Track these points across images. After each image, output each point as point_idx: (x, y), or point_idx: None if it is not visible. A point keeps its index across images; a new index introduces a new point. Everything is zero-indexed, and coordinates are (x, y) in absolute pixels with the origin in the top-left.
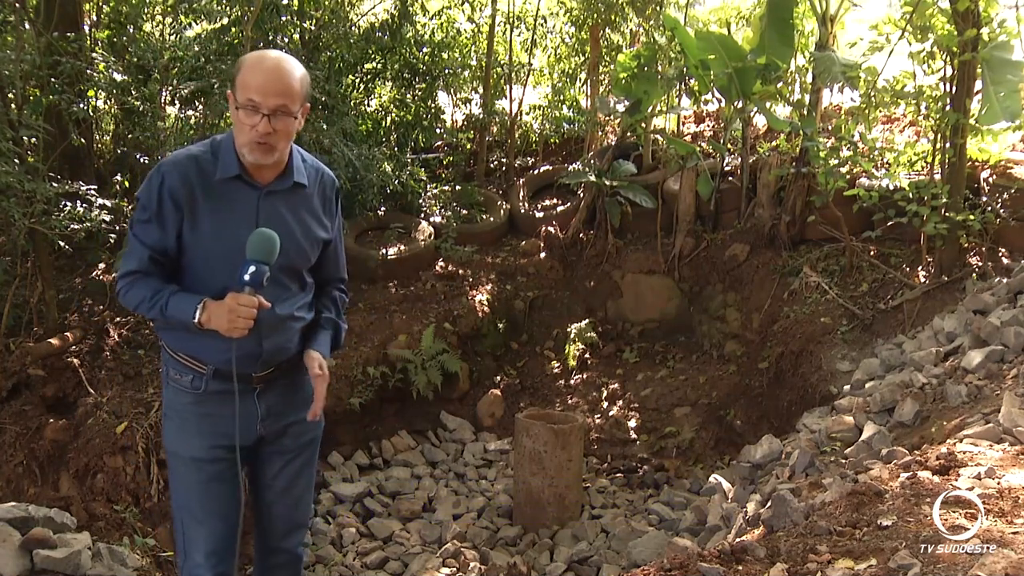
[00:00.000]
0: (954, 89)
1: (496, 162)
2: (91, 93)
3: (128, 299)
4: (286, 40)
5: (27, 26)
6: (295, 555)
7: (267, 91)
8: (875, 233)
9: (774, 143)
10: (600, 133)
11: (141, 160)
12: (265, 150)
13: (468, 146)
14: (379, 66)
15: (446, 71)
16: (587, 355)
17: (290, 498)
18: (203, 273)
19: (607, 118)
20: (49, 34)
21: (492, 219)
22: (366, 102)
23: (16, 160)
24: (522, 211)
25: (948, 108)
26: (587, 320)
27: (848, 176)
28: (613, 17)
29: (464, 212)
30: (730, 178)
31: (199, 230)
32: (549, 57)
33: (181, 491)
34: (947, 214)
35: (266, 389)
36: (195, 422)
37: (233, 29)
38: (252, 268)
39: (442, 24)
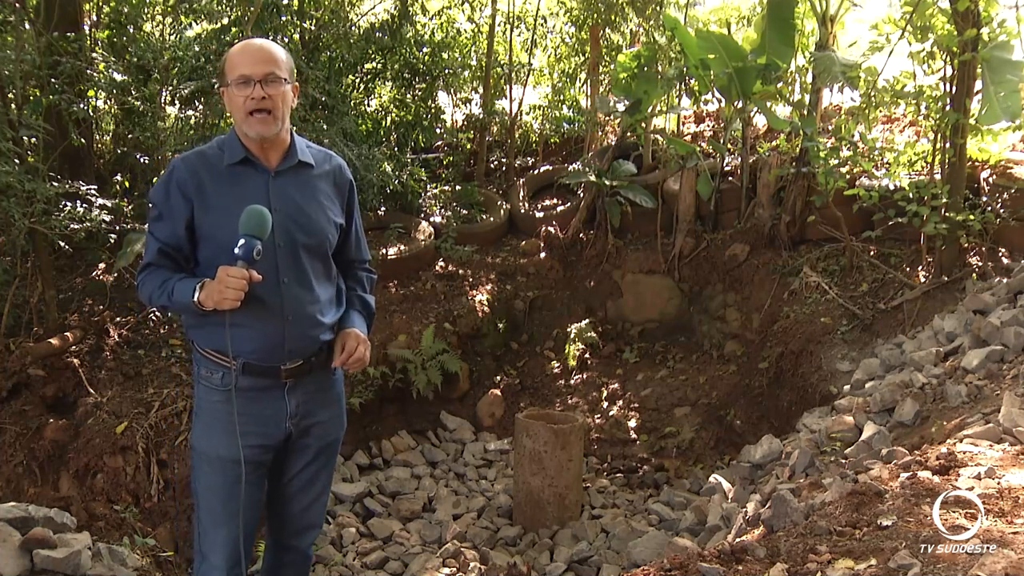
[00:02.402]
0: (954, 89)
1: (496, 162)
2: (91, 93)
3: (143, 292)
4: (286, 40)
5: (27, 26)
6: (305, 555)
7: (255, 61)
8: (875, 233)
9: (774, 143)
10: (600, 133)
11: (141, 160)
12: (265, 119)
13: (468, 146)
14: (379, 66)
15: (446, 71)
16: (587, 355)
17: (306, 498)
18: (217, 258)
19: (607, 118)
20: (49, 34)
21: (492, 219)
22: (366, 102)
23: (16, 160)
24: (522, 211)
25: (948, 108)
26: (587, 320)
27: (848, 176)
28: (613, 17)
29: (464, 212)
30: (730, 178)
31: (211, 217)
32: (549, 57)
33: (204, 492)
34: (947, 214)
35: (295, 385)
36: (225, 421)
37: (233, 29)
38: (242, 242)
39: (442, 24)
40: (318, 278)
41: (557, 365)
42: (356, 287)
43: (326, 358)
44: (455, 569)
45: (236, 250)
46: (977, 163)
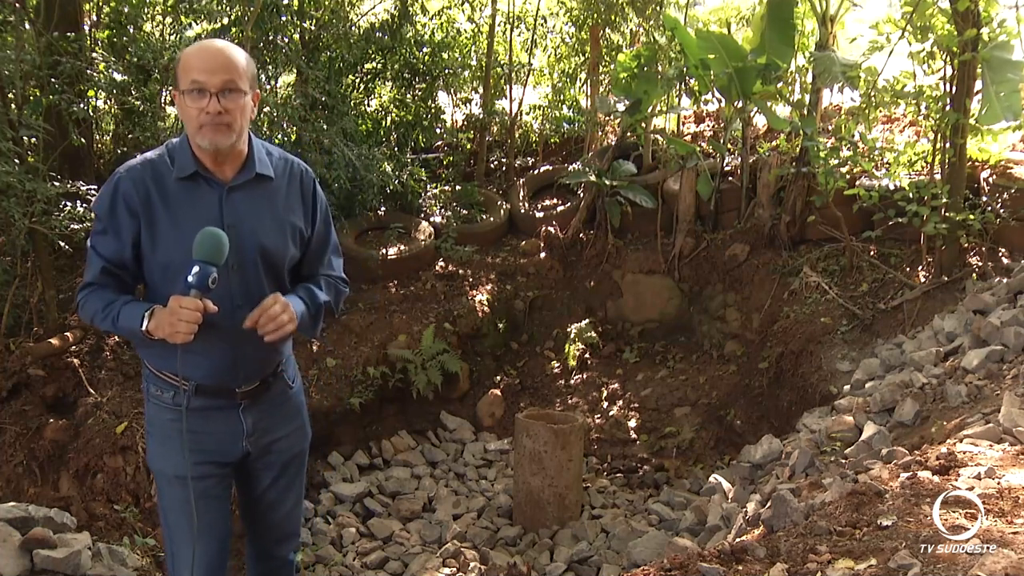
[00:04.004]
0: (954, 89)
1: (496, 162)
2: (91, 93)
3: (84, 312)
4: (286, 40)
5: (27, 26)
6: (287, 561)
7: (211, 69)
8: (875, 233)
9: (774, 143)
10: (600, 133)
11: None
12: (220, 130)
13: (468, 146)
14: (379, 66)
15: (446, 71)
16: (587, 355)
17: (281, 510)
18: (164, 283)
19: (607, 118)
20: (49, 34)
21: (492, 219)
22: (366, 102)
23: (16, 160)
24: (522, 211)
25: (948, 108)
26: (587, 320)
27: (848, 176)
28: (613, 17)
29: (464, 212)
30: (730, 178)
31: (158, 236)
32: (549, 57)
33: (168, 510)
34: (947, 214)
35: (251, 405)
36: (178, 440)
37: (233, 29)
38: (196, 269)
39: (442, 24)
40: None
41: (557, 365)
42: (309, 284)
43: (283, 378)
44: (455, 569)
45: (189, 278)
46: (977, 163)
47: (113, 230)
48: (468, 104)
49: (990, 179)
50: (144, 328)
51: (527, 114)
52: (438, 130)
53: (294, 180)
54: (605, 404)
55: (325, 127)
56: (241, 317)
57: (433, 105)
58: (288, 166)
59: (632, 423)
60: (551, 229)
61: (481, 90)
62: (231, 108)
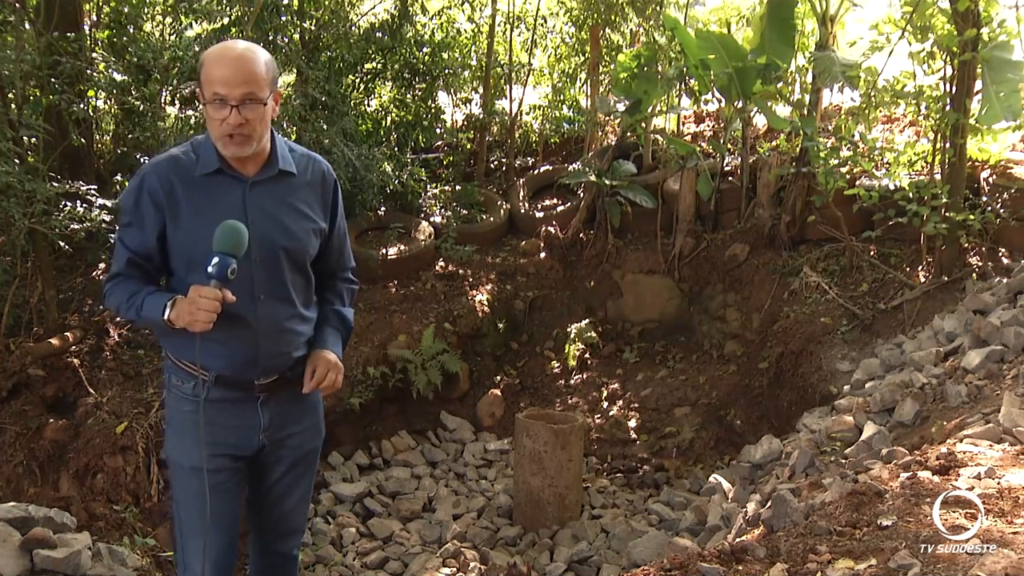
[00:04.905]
0: (954, 89)
1: (496, 162)
2: (91, 93)
3: (110, 303)
4: (286, 40)
5: (27, 26)
6: (290, 557)
7: (231, 82)
8: (875, 233)
9: (774, 143)
10: (600, 133)
11: (141, 160)
12: (240, 142)
13: (468, 146)
14: (379, 66)
15: (446, 71)
16: (587, 355)
17: (287, 504)
18: (189, 275)
19: (607, 118)
20: (49, 34)
21: (492, 219)
22: (366, 102)
23: (16, 160)
24: (522, 211)
25: (948, 108)
26: (587, 320)
27: (848, 176)
28: (613, 17)
29: (464, 212)
30: (730, 178)
31: (183, 229)
32: (549, 57)
33: (182, 502)
34: (947, 214)
35: (269, 398)
36: (196, 431)
37: (233, 29)
38: (216, 260)
39: (442, 24)
40: (297, 292)
41: (557, 365)
42: (335, 300)
43: (302, 372)
44: (455, 569)
45: (209, 269)
46: (977, 163)
47: (138, 223)
48: (468, 104)
49: (990, 179)
50: (165, 317)
51: (527, 114)
52: (438, 130)
53: (316, 177)
54: (605, 404)
55: (325, 127)
56: (263, 309)
57: (433, 105)
58: (310, 164)
59: (632, 423)
60: (551, 229)
61: (481, 90)
62: (251, 118)
